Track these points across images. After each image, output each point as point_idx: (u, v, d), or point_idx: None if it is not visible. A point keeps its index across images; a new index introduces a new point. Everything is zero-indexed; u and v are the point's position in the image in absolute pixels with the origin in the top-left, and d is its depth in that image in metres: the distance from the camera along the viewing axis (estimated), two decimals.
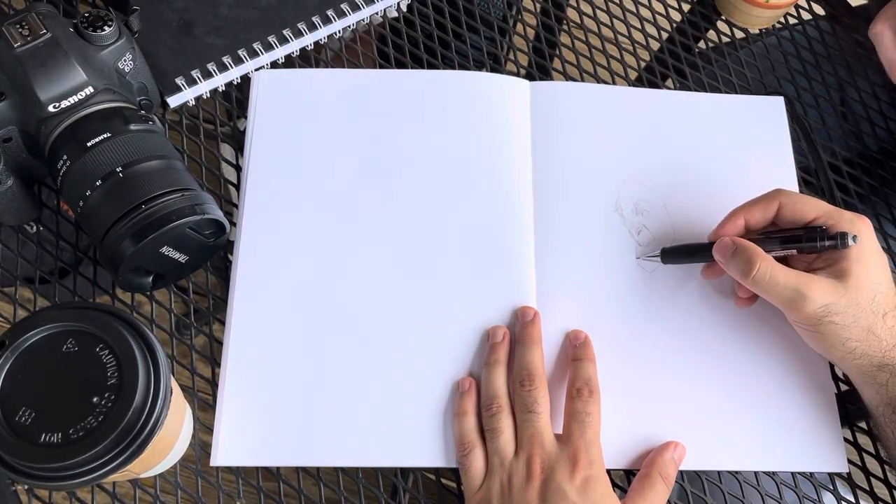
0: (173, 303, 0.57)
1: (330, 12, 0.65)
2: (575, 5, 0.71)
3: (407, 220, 0.59)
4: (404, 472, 0.57)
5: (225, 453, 0.52)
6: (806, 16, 0.74)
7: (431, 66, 0.66)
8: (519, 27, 0.74)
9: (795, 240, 0.52)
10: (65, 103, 0.51)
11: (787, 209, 0.53)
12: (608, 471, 0.51)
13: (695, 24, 0.73)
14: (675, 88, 0.68)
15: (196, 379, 0.55)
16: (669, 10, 0.73)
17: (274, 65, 0.64)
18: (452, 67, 0.67)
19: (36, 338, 0.42)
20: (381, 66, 0.66)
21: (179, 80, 0.61)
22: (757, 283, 0.51)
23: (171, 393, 0.43)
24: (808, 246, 0.52)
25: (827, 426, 0.55)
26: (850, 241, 0.50)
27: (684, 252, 0.57)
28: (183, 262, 0.53)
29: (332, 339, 0.55)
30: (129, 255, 0.48)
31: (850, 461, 0.55)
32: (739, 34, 0.73)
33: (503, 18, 0.83)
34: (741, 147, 0.64)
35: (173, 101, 0.62)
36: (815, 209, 0.52)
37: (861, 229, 0.51)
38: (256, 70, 0.64)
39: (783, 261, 0.52)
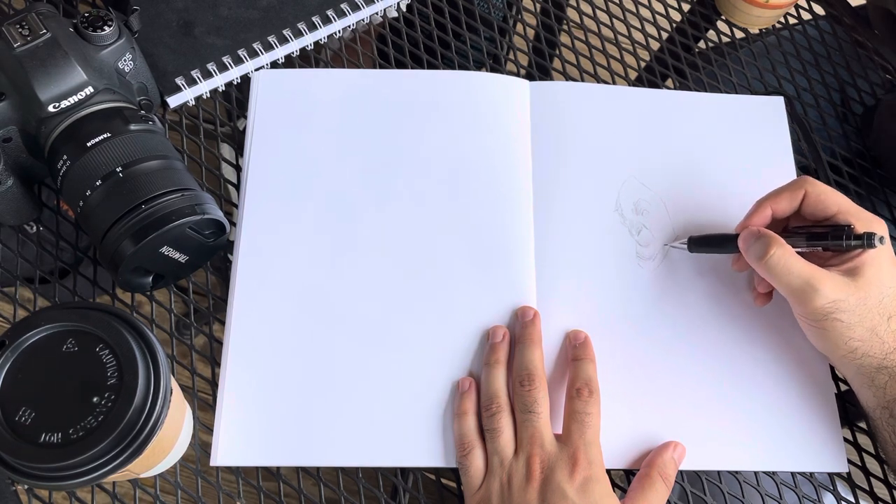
0: (173, 303, 0.57)
1: (330, 12, 0.65)
2: (575, 5, 0.71)
3: (407, 220, 0.59)
4: (404, 472, 0.57)
5: (225, 453, 0.52)
6: (806, 16, 0.74)
7: (431, 66, 0.66)
8: (519, 27, 0.74)
9: (821, 237, 0.52)
10: (65, 103, 0.51)
11: (811, 198, 0.53)
12: (608, 471, 0.51)
13: (695, 24, 0.73)
14: (675, 88, 0.68)
15: (196, 379, 0.55)
16: (669, 10, 0.73)
17: (274, 65, 0.64)
18: (452, 67, 0.67)
19: (36, 338, 0.42)
20: (381, 66, 0.66)
21: (179, 80, 0.61)
22: (770, 268, 0.51)
23: (171, 393, 0.43)
24: (834, 244, 0.51)
25: (827, 426, 0.55)
26: (877, 243, 0.50)
27: (711, 242, 0.57)
28: (183, 262, 0.53)
29: (332, 338, 0.55)
30: (129, 255, 0.48)
31: (850, 461, 0.55)
32: (739, 34, 0.73)
33: (503, 18, 0.82)
34: (741, 147, 0.64)
35: (173, 101, 0.61)
36: (836, 204, 0.52)
37: (880, 232, 0.51)
38: (256, 70, 0.64)
39: (800, 253, 0.52)
